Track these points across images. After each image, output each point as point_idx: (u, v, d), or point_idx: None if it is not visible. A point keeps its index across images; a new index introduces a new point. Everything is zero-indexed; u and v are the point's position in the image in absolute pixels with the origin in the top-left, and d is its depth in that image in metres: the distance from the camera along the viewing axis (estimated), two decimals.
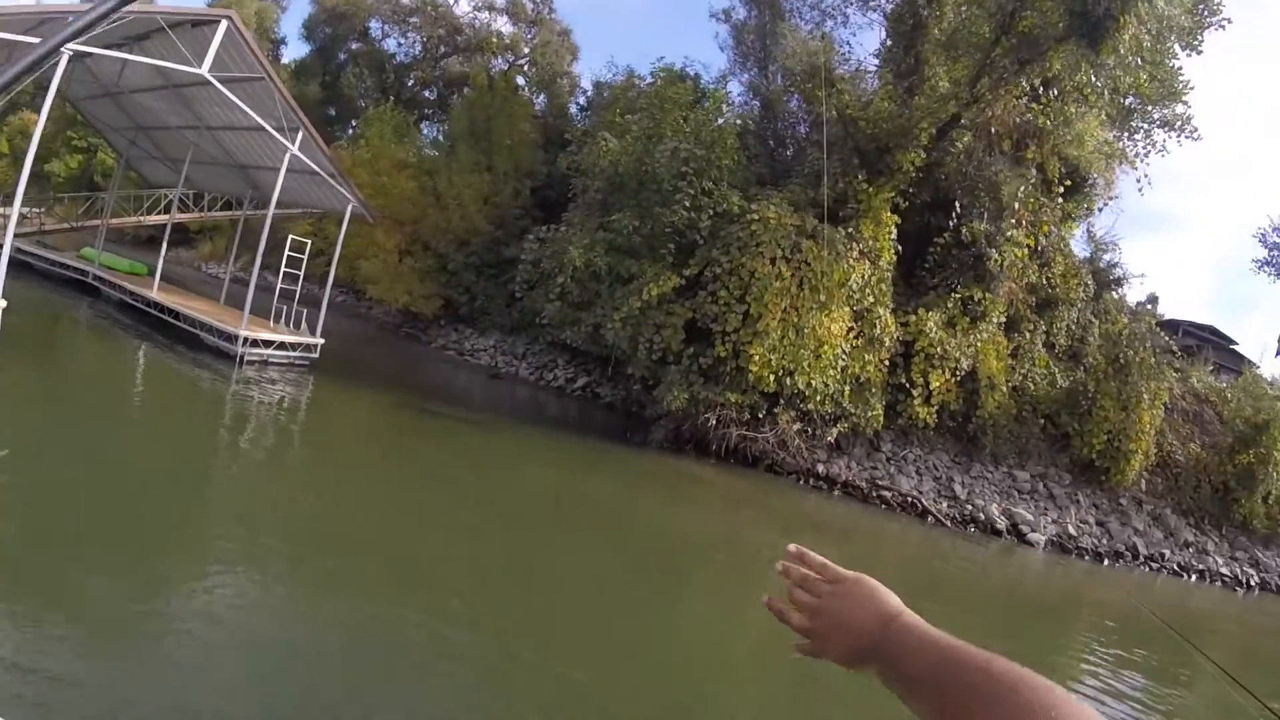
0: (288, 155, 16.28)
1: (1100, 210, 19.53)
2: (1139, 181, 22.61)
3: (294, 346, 16.50)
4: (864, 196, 17.39)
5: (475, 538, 8.27)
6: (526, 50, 33.23)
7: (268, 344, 15.85)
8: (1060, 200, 17.94)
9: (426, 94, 36.90)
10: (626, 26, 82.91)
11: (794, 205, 17.28)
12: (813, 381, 15.49)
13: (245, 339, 14.99)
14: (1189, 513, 21.49)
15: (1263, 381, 26.40)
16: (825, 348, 15.62)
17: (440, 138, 30.13)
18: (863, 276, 16.61)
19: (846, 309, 16.34)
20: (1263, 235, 43.59)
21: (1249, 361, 31.58)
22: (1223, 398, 24.63)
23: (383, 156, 26.60)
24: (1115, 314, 21.95)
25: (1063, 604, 14.56)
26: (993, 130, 16.63)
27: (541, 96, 30.51)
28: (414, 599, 6.25)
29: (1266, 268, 43.71)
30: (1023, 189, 16.53)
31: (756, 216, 15.89)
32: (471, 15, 35.74)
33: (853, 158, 18.15)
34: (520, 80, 31.00)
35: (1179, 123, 25.72)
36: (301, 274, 18.84)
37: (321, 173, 17.96)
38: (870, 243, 17.12)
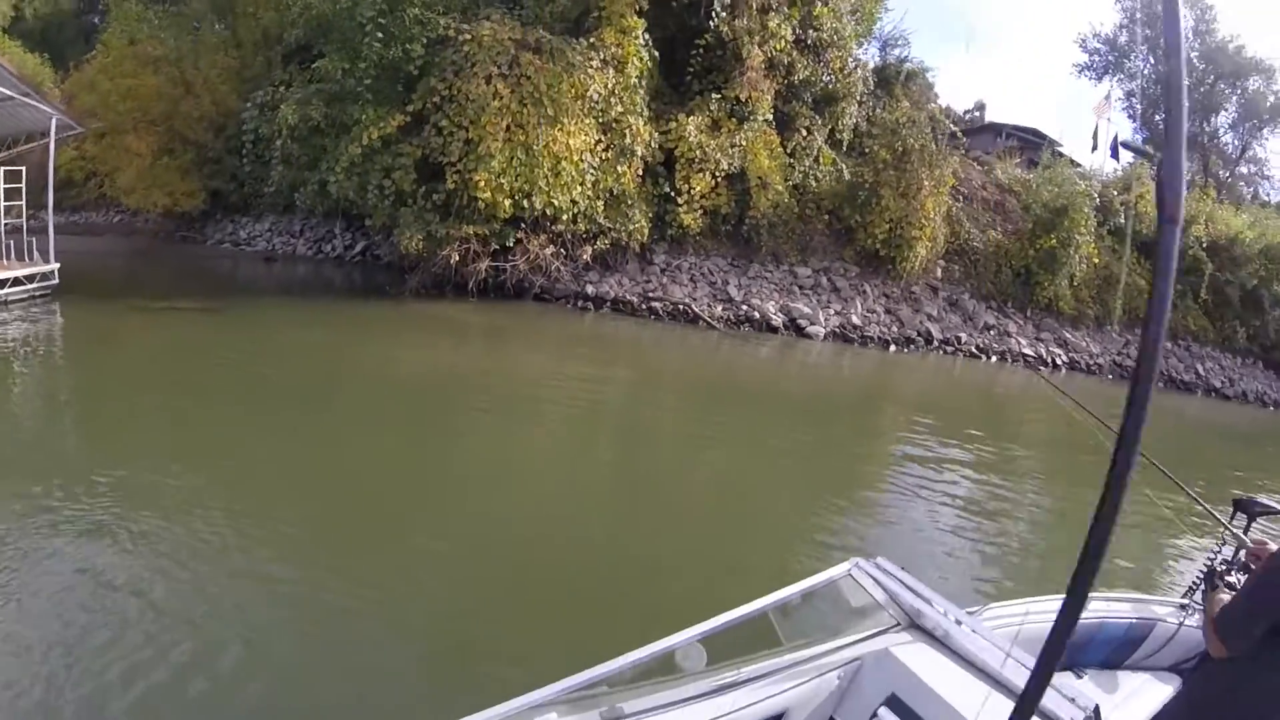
0: None
1: None
2: None
3: (29, 278, 15.29)
4: (605, 2, 16.40)
5: (242, 433, 7.37)
6: None
7: (1, 283, 14.75)
8: None
9: None
10: None
11: (526, 21, 16.15)
12: (555, 200, 14.84)
13: None
14: (989, 297, 22.16)
15: (1067, 168, 27.02)
16: (564, 164, 14.89)
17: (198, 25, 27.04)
18: (605, 86, 15.77)
19: (590, 121, 15.58)
20: (1083, 41, 44.76)
21: (1058, 153, 32.41)
22: (1027, 187, 25.16)
23: (126, 58, 23.84)
24: (896, 105, 21.79)
25: (863, 387, 14.68)
26: None
27: None
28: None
29: (1087, 72, 45.02)
30: None
31: (469, 36, 14.72)
32: None
33: None
34: None
35: None
36: (24, 204, 17.35)
37: (15, 95, 16.11)
38: (614, 50, 16.20)
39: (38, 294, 15.12)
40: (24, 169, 17.52)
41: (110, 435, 7.20)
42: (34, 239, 16.12)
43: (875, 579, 2.48)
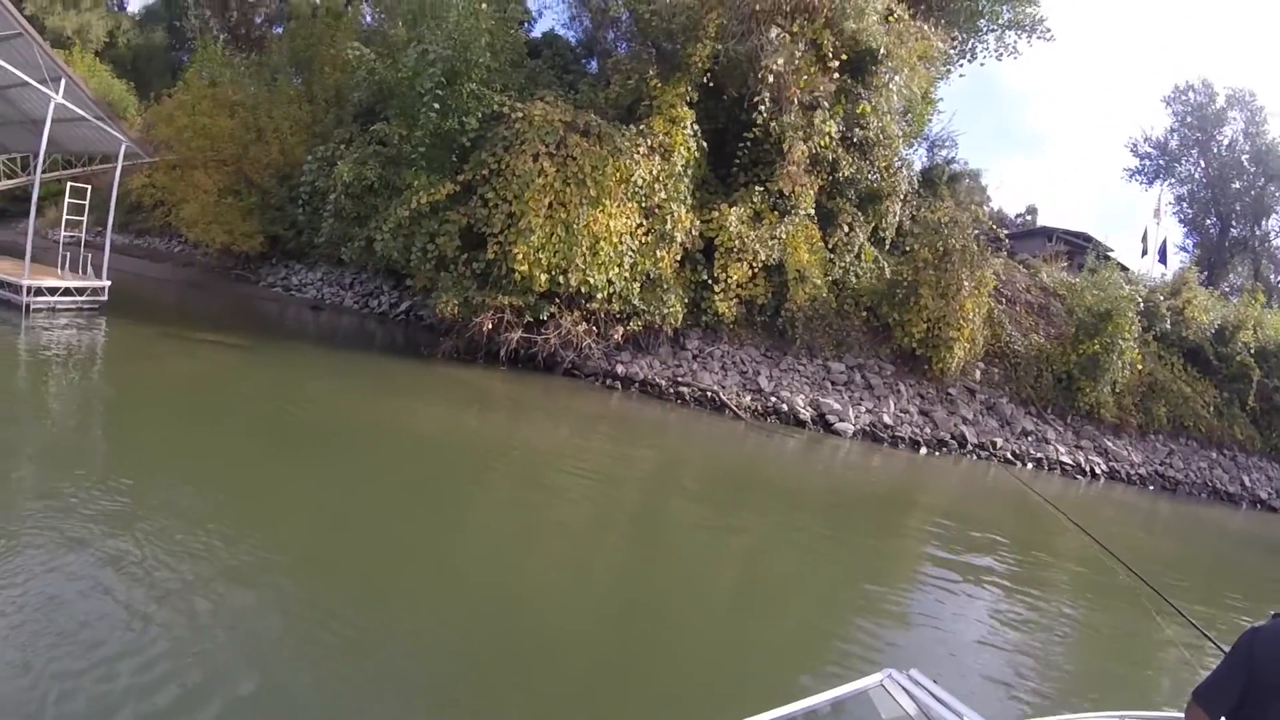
0: (52, 104, 15.76)
1: (893, 89, 18.91)
2: (949, 71, 22.50)
3: (80, 291, 16.13)
4: (656, 92, 16.90)
5: (255, 468, 7.58)
6: None
7: (53, 291, 15.56)
8: (837, 75, 17.32)
9: (278, 30, 34.89)
10: None
11: (580, 105, 16.69)
12: (591, 279, 15.04)
13: (29, 288, 14.74)
14: (1029, 402, 21.57)
15: (1114, 272, 26.55)
16: (602, 244, 15.14)
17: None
18: (651, 172, 16.09)
19: (633, 205, 15.88)
20: (1134, 145, 44.61)
21: (1106, 257, 31.98)
22: (1072, 290, 24.78)
23: (204, 97, 25.17)
24: (939, 204, 21.78)
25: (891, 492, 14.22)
26: (756, 7, 15.93)
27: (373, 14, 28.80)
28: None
29: (1137, 176, 44.71)
30: (783, 60, 15.95)
31: (521, 114, 15.24)
32: None
33: (644, 52, 17.58)
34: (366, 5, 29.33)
35: (1029, 23, 25.54)
36: (84, 220, 18.33)
37: (89, 117, 17.25)
38: (663, 138, 16.58)
39: (86, 307, 15.86)
40: (89, 188, 18.50)
41: (124, 448, 7.45)
42: (90, 254, 16.93)
43: (908, 691, 2.46)
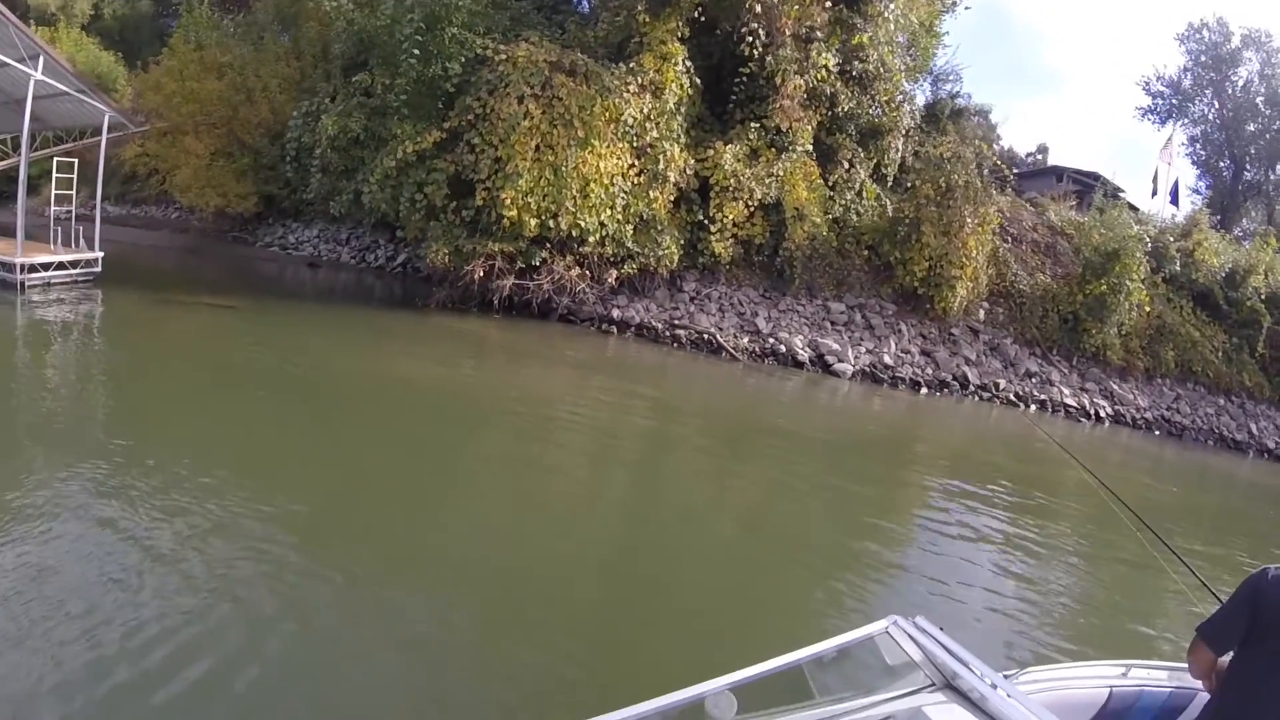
0: (31, 81, 15.40)
1: (890, 18, 18.35)
2: (954, 3, 21.80)
3: (73, 264, 16.05)
4: (645, 28, 16.43)
5: (255, 424, 7.59)
6: None
7: (46, 266, 15.48)
8: (830, 5, 16.79)
9: None
10: None
11: (567, 45, 16.28)
12: (582, 222, 14.80)
13: (22, 265, 14.52)
14: (1034, 343, 21.24)
15: (1123, 211, 25.91)
16: (593, 186, 14.86)
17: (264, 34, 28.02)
18: (641, 111, 15.73)
19: (624, 145, 15.56)
20: (1146, 83, 43.34)
21: (1117, 196, 31.22)
22: (1080, 230, 24.25)
23: (190, 62, 24.79)
24: (942, 140, 21.24)
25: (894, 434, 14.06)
26: None
27: None
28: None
29: (1149, 115, 43.51)
30: None
31: (504, 57, 14.87)
32: None
33: None
34: None
35: None
36: (74, 194, 18.26)
37: (71, 91, 17.00)
38: (653, 76, 16.18)
39: (80, 279, 15.78)
40: (76, 162, 18.41)
41: (120, 414, 7.42)
42: (82, 227, 16.86)
43: (913, 637, 2.46)
